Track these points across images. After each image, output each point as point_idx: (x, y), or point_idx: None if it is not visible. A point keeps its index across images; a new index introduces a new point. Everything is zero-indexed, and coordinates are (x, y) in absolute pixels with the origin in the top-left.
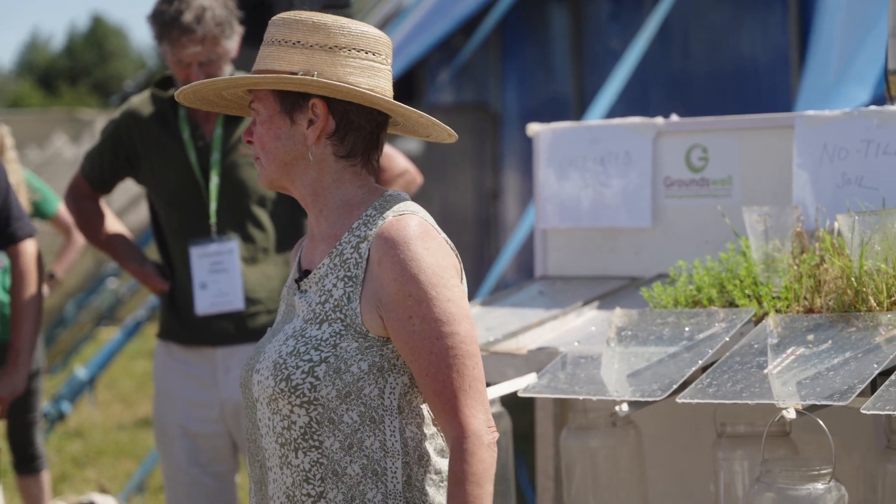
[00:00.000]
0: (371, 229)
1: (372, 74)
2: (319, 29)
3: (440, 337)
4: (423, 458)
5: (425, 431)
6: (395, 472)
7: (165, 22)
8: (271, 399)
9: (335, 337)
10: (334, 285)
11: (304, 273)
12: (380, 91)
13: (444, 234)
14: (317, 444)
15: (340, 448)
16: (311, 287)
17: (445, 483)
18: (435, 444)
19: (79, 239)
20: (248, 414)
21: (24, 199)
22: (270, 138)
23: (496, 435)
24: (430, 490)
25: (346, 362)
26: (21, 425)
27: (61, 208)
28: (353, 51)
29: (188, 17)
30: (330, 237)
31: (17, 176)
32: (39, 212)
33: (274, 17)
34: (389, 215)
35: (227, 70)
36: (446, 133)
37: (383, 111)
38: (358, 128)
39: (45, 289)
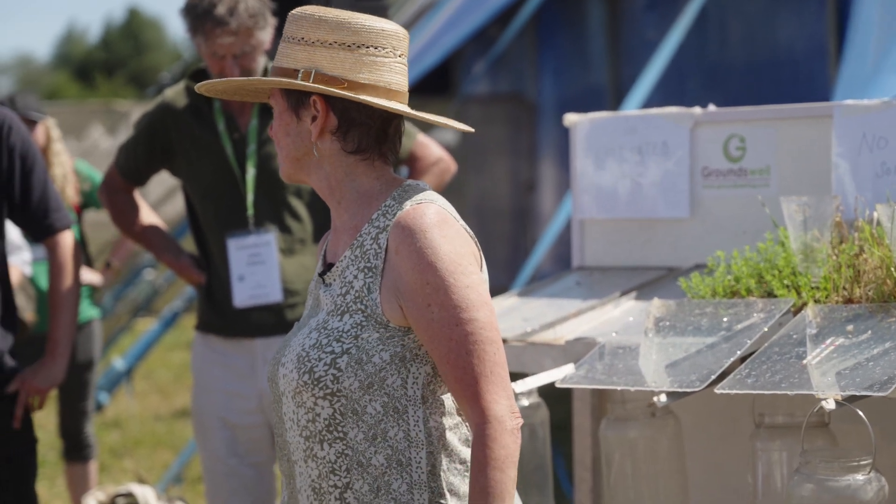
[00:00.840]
0: (390, 219)
1: (375, 69)
2: (321, 25)
3: (459, 323)
4: (448, 448)
5: (449, 421)
6: (420, 462)
7: (199, 15)
8: (296, 392)
9: (356, 328)
10: (355, 276)
11: (328, 266)
12: (383, 85)
13: (462, 222)
14: (341, 435)
15: (365, 439)
16: (334, 280)
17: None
18: (459, 434)
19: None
20: (275, 408)
21: (72, 190)
22: (282, 134)
23: (520, 421)
24: (456, 479)
25: (368, 353)
26: (74, 414)
27: None
28: (356, 46)
29: (221, 9)
30: (351, 229)
31: (65, 167)
32: (92, 201)
33: (297, 12)
34: (408, 204)
35: (262, 62)
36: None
37: None
38: (360, 124)
39: (100, 277)
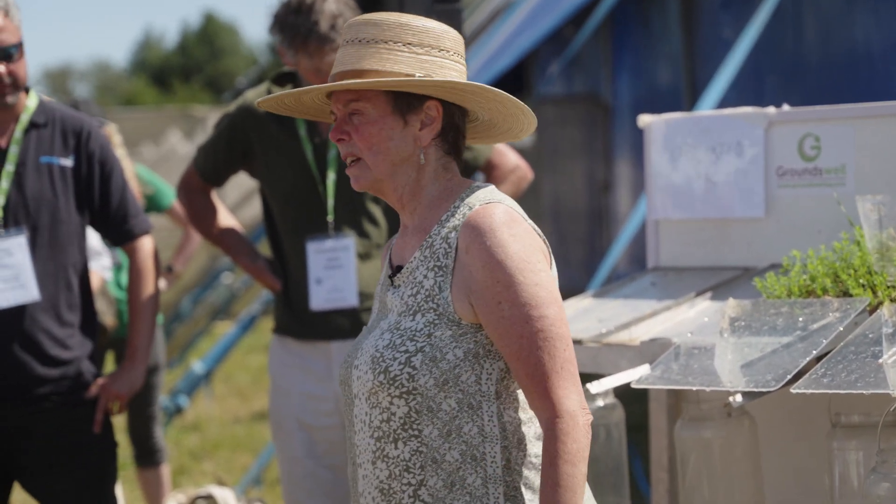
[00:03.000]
0: (459, 220)
1: (462, 75)
2: (429, 33)
3: (529, 320)
4: (522, 442)
5: (523, 416)
6: (495, 457)
7: (300, 33)
8: (371, 393)
9: (429, 326)
10: (425, 276)
11: (396, 269)
12: (471, 90)
13: (530, 221)
14: (416, 433)
15: (439, 436)
16: (403, 282)
17: None
18: (533, 428)
19: (193, 239)
20: (346, 412)
21: (135, 194)
22: (383, 139)
23: (590, 417)
24: (531, 473)
25: (442, 350)
26: (141, 419)
27: (177, 201)
28: (453, 54)
29: (324, 26)
30: (420, 231)
31: (128, 172)
32: (154, 205)
33: (358, 19)
34: (476, 205)
35: None
36: (525, 122)
37: (464, 108)
38: (457, 127)
39: (164, 283)
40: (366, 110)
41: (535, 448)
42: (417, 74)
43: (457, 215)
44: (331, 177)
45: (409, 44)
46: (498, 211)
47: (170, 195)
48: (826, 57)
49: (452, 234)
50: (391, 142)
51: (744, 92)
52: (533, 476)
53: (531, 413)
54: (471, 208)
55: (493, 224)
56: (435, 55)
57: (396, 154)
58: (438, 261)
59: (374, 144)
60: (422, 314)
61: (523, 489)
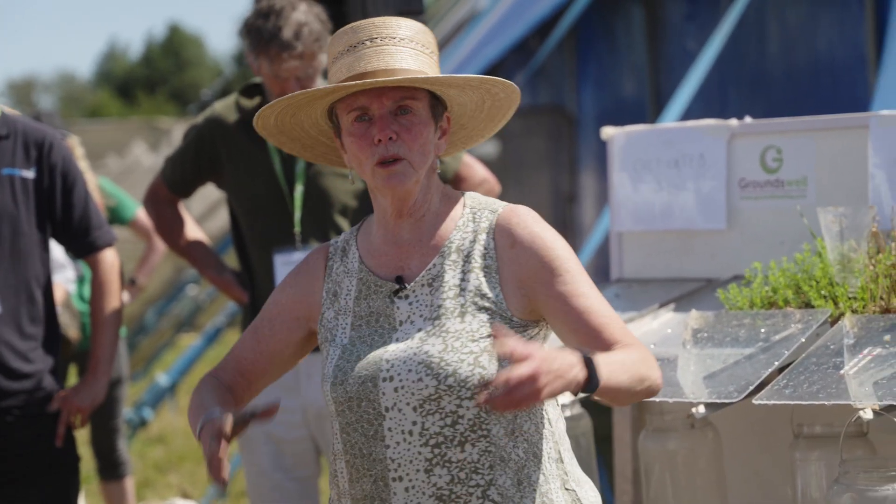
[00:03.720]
0: (481, 223)
1: None
2: (432, 36)
3: (588, 284)
4: (563, 436)
5: (556, 412)
6: (549, 452)
7: (263, 38)
8: (430, 399)
9: (486, 326)
10: (462, 279)
11: (398, 279)
12: None
13: None
14: (485, 433)
15: (505, 434)
16: (417, 290)
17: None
18: (563, 423)
19: (159, 244)
20: (358, 429)
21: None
22: (428, 141)
23: None
24: (572, 465)
25: None
26: (104, 432)
27: (140, 213)
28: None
29: (287, 33)
30: (432, 239)
31: (90, 184)
32: (116, 217)
33: (378, 20)
34: (496, 207)
35: (319, 83)
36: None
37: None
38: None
39: (127, 295)
40: (418, 110)
41: (566, 442)
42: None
43: (477, 219)
44: (298, 189)
45: (432, 52)
46: (525, 210)
47: (132, 207)
48: (790, 69)
49: (482, 236)
50: (430, 145)
51: (708, 104)
52: (573, 467)
53: (560, 407)
54: (492, 212)
55: (527, 220)
56: (436, 60)
57: (431, 158)
58: (475, 262)
59: (423, 146)
60: (472, 315)
61: (572, 483)
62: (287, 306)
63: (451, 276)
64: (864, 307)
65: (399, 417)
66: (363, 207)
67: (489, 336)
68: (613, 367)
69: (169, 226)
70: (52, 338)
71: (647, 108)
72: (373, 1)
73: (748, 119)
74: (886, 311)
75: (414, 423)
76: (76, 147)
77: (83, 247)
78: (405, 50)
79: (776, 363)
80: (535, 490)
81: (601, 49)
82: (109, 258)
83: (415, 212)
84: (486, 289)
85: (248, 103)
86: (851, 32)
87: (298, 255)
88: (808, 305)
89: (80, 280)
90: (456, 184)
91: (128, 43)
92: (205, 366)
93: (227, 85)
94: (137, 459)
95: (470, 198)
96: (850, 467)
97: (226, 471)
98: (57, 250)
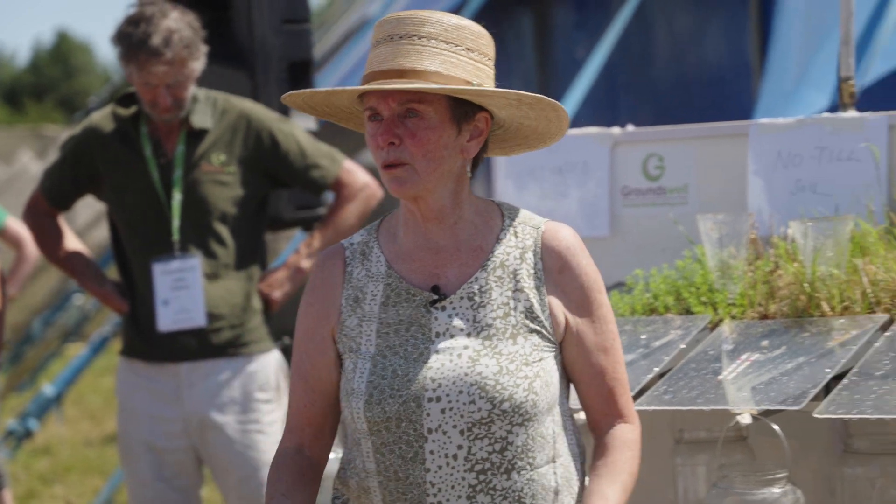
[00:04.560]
0: (525, 240)
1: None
2: (482, 38)
3: (614, 335)
4: (582, 455)
5: (579, 437)
6: (579, 477)
7: (133, 44)
8: (480, 423)
9: (537, 350)
10: (511, 298)
11: (434, 289)
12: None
13: None
14: (531, 460)
15: (546, 461)
16: (456, 302)
17: None
18: (579, 446)
19: (31, 254)
20: (396, 450)
21: None
22: (439, 146)
23: None
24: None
25: (552, 374)
26: None
27: (10, 222)
28: (489, 59)
29: (156, 40)
30: (470, 249)
31: None
32: None
33: (406, 15)
34: (538, 223)
35: (192, 90)
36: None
37: None
38: (487, 141)
39: None
40: (427, 114)
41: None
42: (474, 82)
43: (519, 234)
44: (176, 197)
45: (469, 49)
46: (569, 232)
47: (1, 216)
48: (679, 76)
49: (530, 255)
50: (445, 150)
51: (599, 111)
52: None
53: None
54: (535, 228)
55: (576, 248)
56: (485, 63)
57: (446, 164)
58: (523, 282)
59: (430, 151)
60: (523, 337)
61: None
62: (315, 329)
63: (499, 294)
64: (742, 313)
65: (443, 440)
66: (243, 214)
67: (540, 360)
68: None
69: (48, 239)
70: None
71: None
72: (257, 9)
73: (630, 127)
74: (764, 316)
75: (459, 448)
76: None
77: None
78: (427, 49)
79: (656, 369)
80: None
81: None
82: None
83: (444, 218)
84: (536, 310)
85: (125, 112)
86: (737, 41)
87: (177, 264)
88: (688, 312)
89: None
90: (337, 189)
91: (15, 49)
92: (92, 375)
93: (115, 92)
94: (22, 471)
95: (506, 208)
96: (729, 471)
97: None
98: None
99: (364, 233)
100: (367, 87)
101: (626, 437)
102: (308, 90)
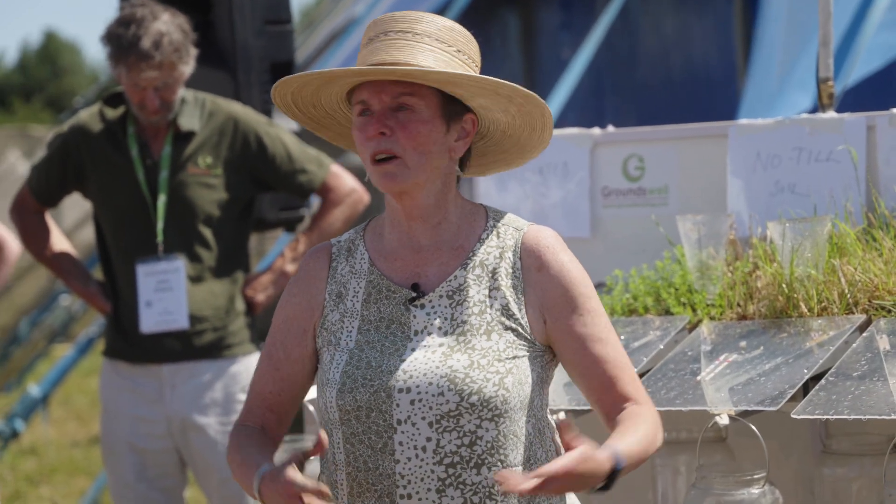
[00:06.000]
0: (506, 240)
1: None
2: (472, 44)
3: (608, 327)
4: None
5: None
6: None
7: (123, 46)
8: (448, 415)
9: (512, 347)
10: (487, 296)
11: (414, 287)
12: None
13: None
14: (503, 458)
15: (521, 461)
16: (435, 300)
17: None
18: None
19: (11, 257)
20: (365, 440)
21: None
22: (429, 141)
23: None
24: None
25: (525, 373)
26: None
27: None
28: (477, 66)
29: (146, 42)
30: (451, 247)
31: None
32: None
33: (401, 14)
34: (521, 225)
35: (180, 93)
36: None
37: None
38: (472, 145)
39: None
40: (418, 107)
41: None
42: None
43: (501, 235)
44: (161, 199)
45: (460, 51)
46: (552, 234)
47: None
48: (665, 77)
49: (508, 254)
50: (434, 146)
51: (584, 112)
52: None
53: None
54: (517, 229)
55: (556, 246)
56: (473, 68)
57: (436, 158)
58: (501, 280)
59: (421, 145)
60: (498, 334)
61: None
62: (294, 320)
63: (476, 292)
64: (721, 314)
65: (412, 432)
66: (228, 217)
67: (514, 357)
68: (635, 457)
69: (34, 236)
70: None
71: None
72: (239, 11)
73: (611, 128)
74: (743, 317)
75: (428, 440)
76: None
77: None
78: (420, 45)
79: (635, 370)
80: None
81: None
82: None
83: (429, 217)
84: (513, 308)
85: (112, 113)
86: (723, 41)
87: (161, 266)
88: (667, 312)
89: None
90: (324, 193)
91: (2, 50)
92: (78, 376)
93: (102, 92)
94: (8, 472)
95: (492, 211)
96: (707, 472)
97: None
98: None
99: (352, 232)
100: (366, 67)
101: (642, 411)
102: (304, 73)
